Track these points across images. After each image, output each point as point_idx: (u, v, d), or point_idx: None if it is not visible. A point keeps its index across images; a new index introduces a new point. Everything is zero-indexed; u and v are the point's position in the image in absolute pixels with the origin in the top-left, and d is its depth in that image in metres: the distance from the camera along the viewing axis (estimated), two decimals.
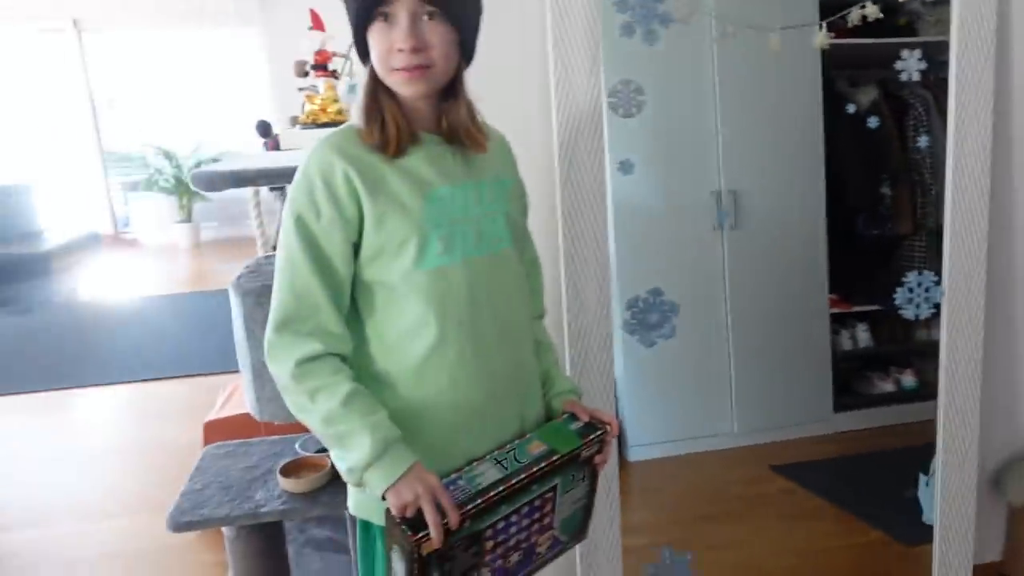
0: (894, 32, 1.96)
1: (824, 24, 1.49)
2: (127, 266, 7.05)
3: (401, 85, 0.99)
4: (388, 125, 0.99)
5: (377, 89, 1.00)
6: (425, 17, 0.95)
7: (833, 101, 2.26)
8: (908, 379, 2.62)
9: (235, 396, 2.55)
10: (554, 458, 1.04)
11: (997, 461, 1.92)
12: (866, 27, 1.56)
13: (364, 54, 1.00)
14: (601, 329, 1.52)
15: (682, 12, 1.45)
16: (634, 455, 2.25)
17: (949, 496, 1.73)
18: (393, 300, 1.03)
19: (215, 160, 7.56)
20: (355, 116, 1.04)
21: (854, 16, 1.52)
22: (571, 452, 1.06)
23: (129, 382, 3.93)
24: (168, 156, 7.45)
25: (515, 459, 1.03)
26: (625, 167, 1.52)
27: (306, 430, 1.08)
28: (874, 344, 2.69)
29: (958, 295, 1.65)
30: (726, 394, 2.36)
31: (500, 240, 1.10)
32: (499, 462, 1.03)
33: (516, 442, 1.07)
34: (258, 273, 1.57)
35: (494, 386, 1.08)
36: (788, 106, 2.31)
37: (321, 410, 0.97)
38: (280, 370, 1.00)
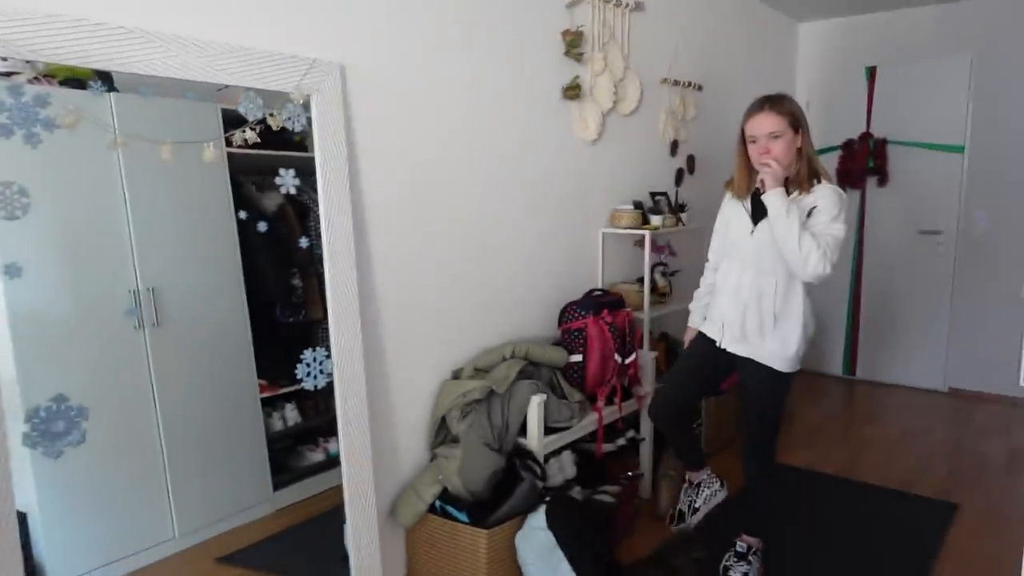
0: (290, 146, 2.33)
1: (211, 143, 1.71)
2: None
3: None
4: None
5: None
6: None
7: (243, 203, 2.51)
8: (333, 446, 2.97)
9: None
10: None
11: (389, 495, 2.39)
12: (267, 141, 1.84)
13: None
14: None
15: (67, 119, 1.47)
16: None
17: (357, 532, 2.07)
18: None
19: None
20: None
21: (238, 137, 1.78)
22: None
23: None
24: None
25: None
26: (12, 271, 1.43)
27: None
28: (302, 420, 2.97)
29: (344, 365, 2.03)
30: (163, 499, 2.30)
31: None
32: None
33: None
34: None
35: None
36: (201, 208, 2.45)
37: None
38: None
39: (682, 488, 2.76)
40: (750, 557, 2.51)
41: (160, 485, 2.27)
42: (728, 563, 2.53)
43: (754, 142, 2.23)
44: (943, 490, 3.27)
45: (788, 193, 2.19)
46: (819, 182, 2.22)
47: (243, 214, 1.99)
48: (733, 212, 2.38)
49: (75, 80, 1.59)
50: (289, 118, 1.87)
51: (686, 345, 2.65)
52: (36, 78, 1.54)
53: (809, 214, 2.19)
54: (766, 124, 2.19)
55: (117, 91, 1.70)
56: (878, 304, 4.95)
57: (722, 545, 2.59)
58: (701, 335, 2.51)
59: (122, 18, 1.58)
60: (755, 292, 2.29)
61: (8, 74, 1.54)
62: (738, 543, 2.54)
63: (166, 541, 2.26)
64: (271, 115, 1.83)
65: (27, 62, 1.46)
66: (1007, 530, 2.89)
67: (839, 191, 2.22)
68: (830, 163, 4.85)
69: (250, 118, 1.79)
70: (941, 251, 4.68)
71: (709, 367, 2.50)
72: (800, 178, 2.22)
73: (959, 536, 2.85)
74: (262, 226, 1.96)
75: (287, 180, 1.91)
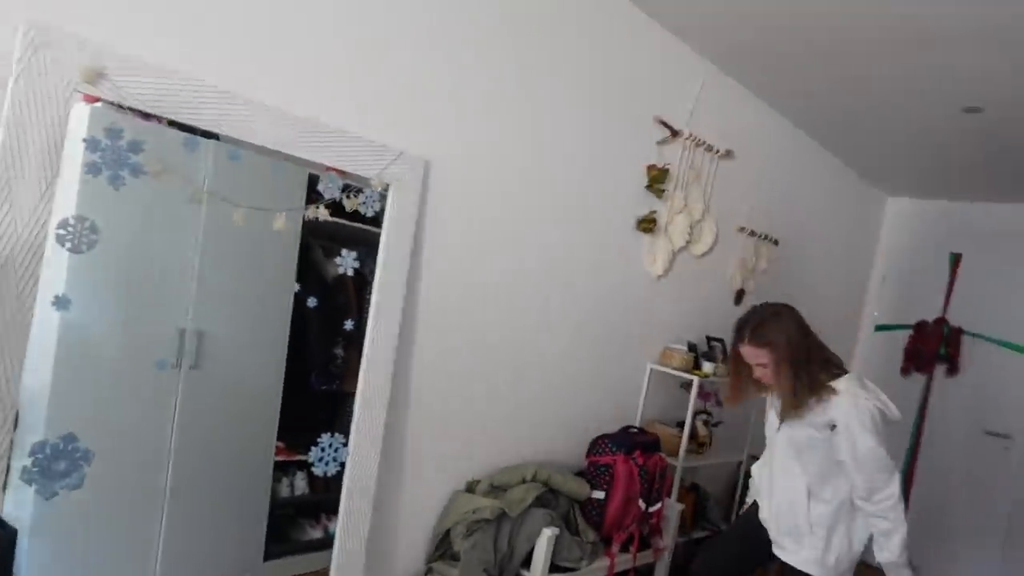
0: (363, 218, 2.37)
1: (283, 213, 1.73)
2: None
3: None
4: None
5: None
6: None
7: (309, 266, 2.55)
8: (334, 525, 2.87)
9: None
10: None
11: None
12: (342, 208, 1.86)
13: None
14: None
15: (153, 167, 1.52)
16: None
17: None
18: None
19: None
20: None
21: (310, 212, 1.81)
22: None
23: None
24: None
25: None
26: (61, 303, 1.45)
27: None
28: (309, 491, 2.88)
29: (357, 463, 1.96)
30: (152, 548, 2.22)
31: None
32: None
33: None
34: None
35: None
36: (266, 262, 2.49)
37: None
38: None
39: None
40: None
41: (153, 533, 2.19)
42: None
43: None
44: None
45: (802, 404, 2.02)
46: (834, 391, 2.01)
47: (297, 287, 1.98)
48: (770, 403, 2.27)
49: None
50: (364, 202, 1.89)
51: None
52: (146, 114, 1.60)
53: (833, 427, 2.01)
54: (748, 355, 2.09)
55: (218, 139, 1.76)
56: (929, 501, 4.61)
57: None
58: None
59: (230, 84, 1.65)
60: (786, 497, 2.13)
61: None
62: None
63: None
64: (347, 196, 1.86)
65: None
66: None
67: (853, 399, 1.98)
68: (900, 341, 4.68)
69: (327, 196, 1.82)
70: (1008, 456, 4.37)
71: (764, 540, 2.29)
72: (807, 392, 2.03)
73: None
74: (312, 302, 1.95)
75: (347, 262, 1.92)
